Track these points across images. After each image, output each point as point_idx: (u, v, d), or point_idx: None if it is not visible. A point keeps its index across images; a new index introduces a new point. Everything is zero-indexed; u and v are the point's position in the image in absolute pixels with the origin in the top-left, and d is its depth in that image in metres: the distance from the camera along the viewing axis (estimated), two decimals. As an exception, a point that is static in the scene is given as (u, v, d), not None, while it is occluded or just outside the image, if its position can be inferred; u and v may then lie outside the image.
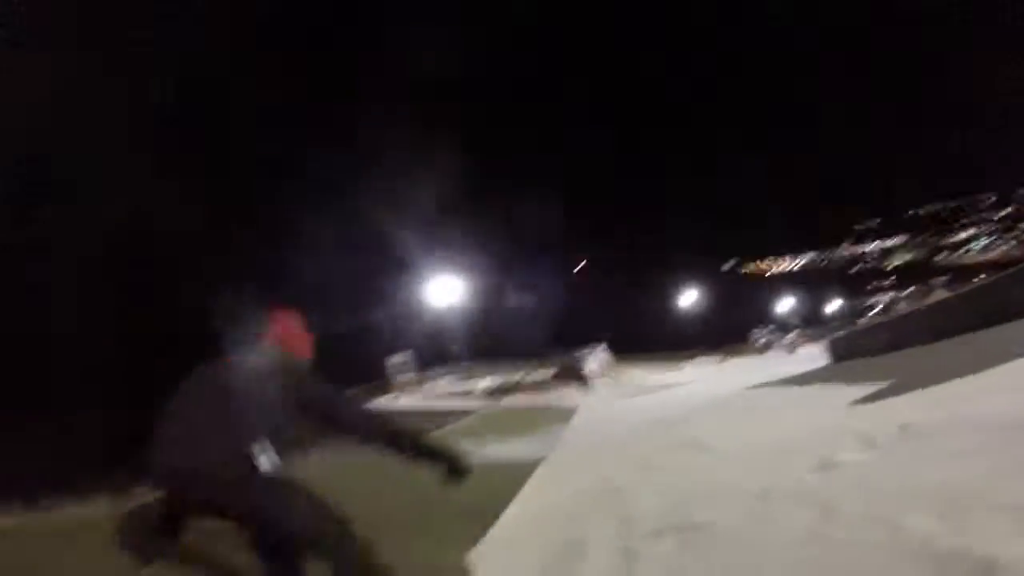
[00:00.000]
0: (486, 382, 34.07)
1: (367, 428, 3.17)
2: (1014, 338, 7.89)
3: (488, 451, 10.89)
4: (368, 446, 3.15)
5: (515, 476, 7.77)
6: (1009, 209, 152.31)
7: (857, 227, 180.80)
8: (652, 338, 68.04)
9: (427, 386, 42.01)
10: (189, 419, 2.90)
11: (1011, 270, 11.74)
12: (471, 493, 6.72)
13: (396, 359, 42.93)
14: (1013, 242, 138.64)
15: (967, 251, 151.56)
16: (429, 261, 46.91)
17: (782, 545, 3.21)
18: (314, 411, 3.06)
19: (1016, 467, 3.23)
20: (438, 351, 47.55)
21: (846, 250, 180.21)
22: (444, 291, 44.08)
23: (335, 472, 10.85)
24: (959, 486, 3.20)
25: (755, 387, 14.55)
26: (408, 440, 3.18)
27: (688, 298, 71.17)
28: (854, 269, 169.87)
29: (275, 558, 2.93)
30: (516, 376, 33.89)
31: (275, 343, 3.32)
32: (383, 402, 36.40)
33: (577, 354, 34.33)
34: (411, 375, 43.00)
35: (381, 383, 42.45)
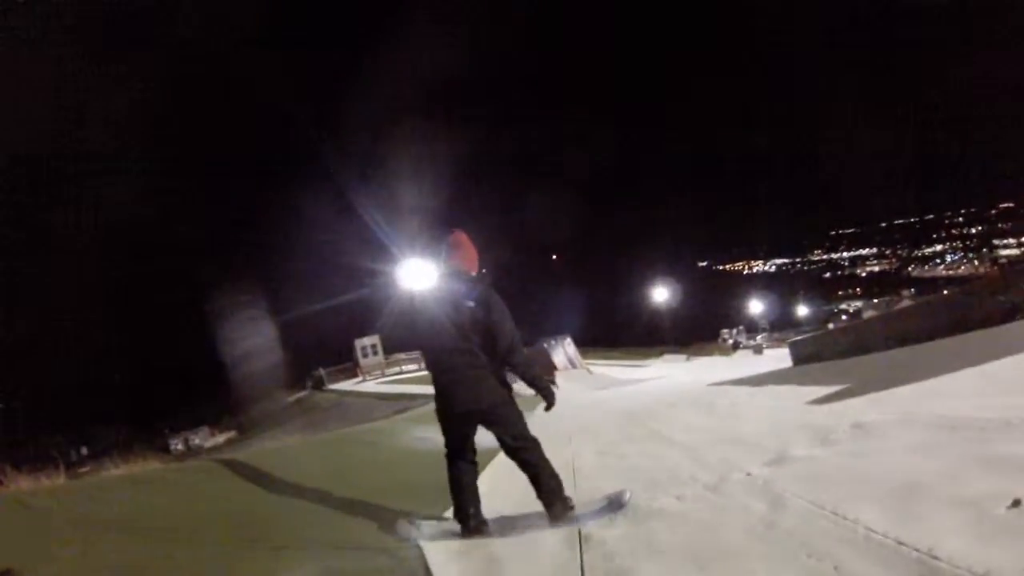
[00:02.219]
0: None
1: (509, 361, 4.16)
2: (973, 347, 8.02)
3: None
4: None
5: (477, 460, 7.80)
6: (980, 228, 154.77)
7: (832, 233, 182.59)
8: (622, 333, 68.33)
9: (393, 370, 41.97)
10: (455, 368, 4.06)
11: (972, 284, 11.95)
12: (432, 477, 6.80)
13: (364, 341, 42.82)
14: (978, 261, 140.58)
15: (936, 265, 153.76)
16: (402, 244, 46.59)
17: (731, 532, 3.26)
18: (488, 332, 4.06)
19: (964, 466, 3.30)
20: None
21: (820, 256, 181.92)
22: (416, 275, 43.80)
23: (304, 449, 10.89)
24: (907, 481, 3.26)
25: (719, 384, 14.68)
26: (529, 376, 4.22)
27: (660, 294, 70.95)
28: (826, 275, 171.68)
29: (526, 461, 4.14)
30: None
31: (463, 266, 4.31)
32: (349, 385, 36.31)
33: (545, 345, 34.22)
34: (379, 358, 42.93)
35: (348, 364, 42.39)
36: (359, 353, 42.39)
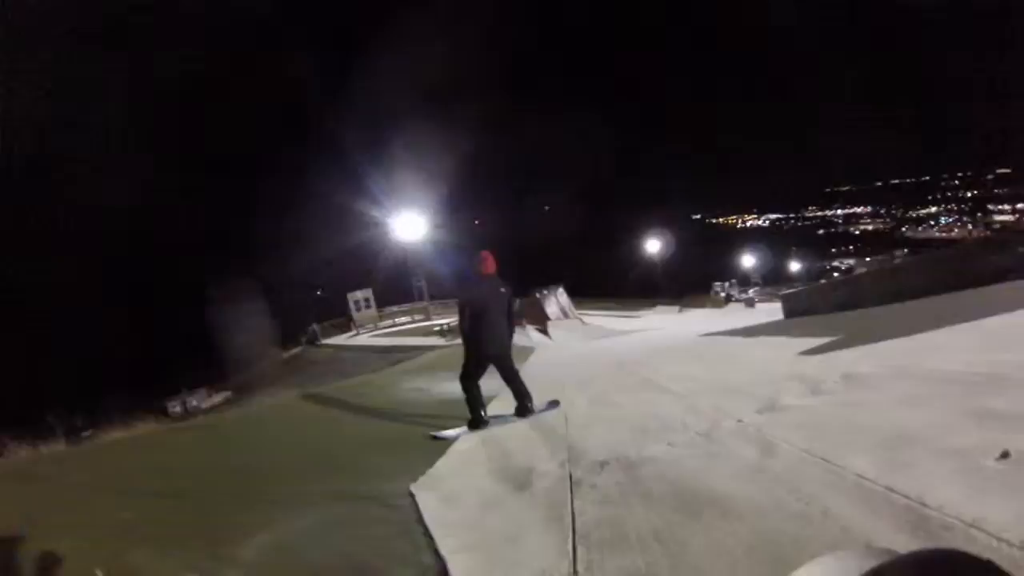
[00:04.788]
0: (444, 320, 33.95)
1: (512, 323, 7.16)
2: (965, 304, 8.05)
3: (442, 387, 10.97)
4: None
5: (465, 412, 7.89)
6: (976, 192, 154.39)
7: (827, 190, 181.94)
8: (615, 284, 68.33)
9: (386, 323, 42.05)
10: (498, 323, 6.79)
11: (968, 242, 11.95)
12: (426, 427, 6.85)
13: (357, 295, 42.79)
14: (972, 225, 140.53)
15: (930, 226, 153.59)
16: (394, 197, 46.46)
17: (721, 478, 3.27)
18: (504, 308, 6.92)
19: (955, 418, 3.32)
20: (399, 288, 47.55)
21: (814, 212, 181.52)
22: (408, 228, 43.58)
23: (299, 405, 10.94)
24: (898, 432, 3.29)
25: (711, 335, 14.76)
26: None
27: (654, 246, 70.69)
28: (820, 232, 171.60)
29: (513, 381, 6.90)
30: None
31: (490, 270, 6.95)
32: (343, 340, 36.35)
33: (538, 295, 34.15)
34: (371, 311, 42.95)
35: (342, 319, 42.39)
36: (352, 307, 42.32)
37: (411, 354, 19.96)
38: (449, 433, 6.47)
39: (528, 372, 9.75)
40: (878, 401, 4.13)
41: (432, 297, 45.99)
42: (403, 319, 43.26)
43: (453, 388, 10.65)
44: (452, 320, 30.92)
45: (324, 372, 22.79)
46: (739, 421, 4.42)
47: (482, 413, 6.71)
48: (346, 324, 41.94)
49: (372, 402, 9.72)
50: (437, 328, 30.20)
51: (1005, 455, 2.61)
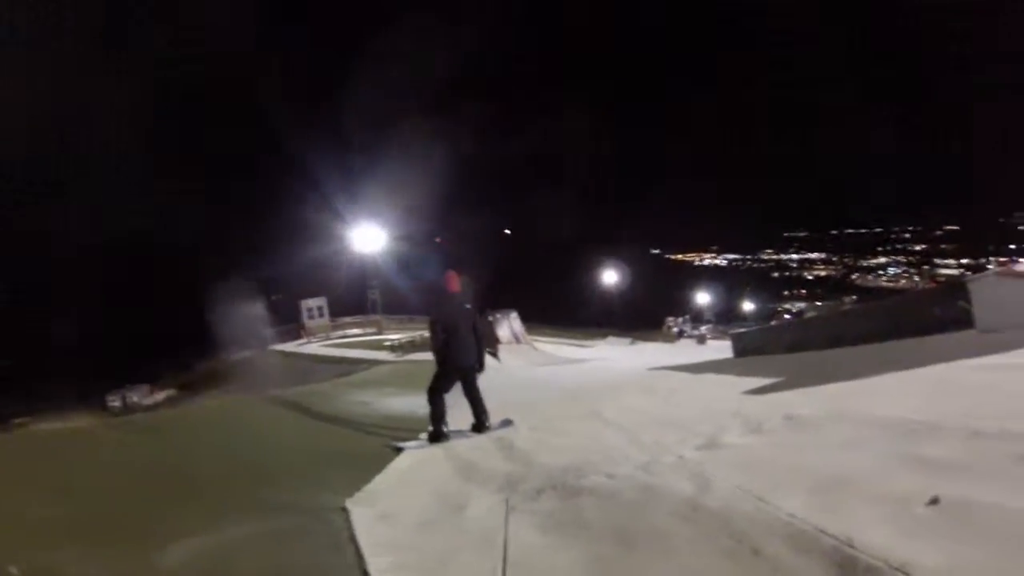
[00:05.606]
0: (396, 336, 33.68)
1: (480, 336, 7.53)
2: (907, 352, 8.23)
3: (388, 402, 10.92)
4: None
5: (412, 427, 7.83)
6: (924, 245, 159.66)
7: (785, 235, 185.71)
8: (570, 312, 68.54)
9: (338, 333, 41.65)
10: (467, 338, 7.26)
11: (913, 293, 12.27)
12: (367, 442, 6.77)
13: (311, 303, 42.37)
14: (918, 276, 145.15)
15: (879, 276, 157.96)
16: (353, 208, 46.26)
17: (657, 512, 3.27)
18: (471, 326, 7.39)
19: (889, 463, 3.37)
20: (354, 299, 47.19)
21: (770, 255, 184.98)
22: (367, 239, 43.34)
23: (241, 409, 10.75)
24: (834, 474, 3.33)
25: (659, 369, 14.85)
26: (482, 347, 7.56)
27: (610, 278, 71.27)
28: (774, 275, 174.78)
29: (475, 397, 7.34)
30: (426, 333, 33.52)
31: (454, 286, 7.43)
32: (292, 347, 35.89)
33: (491, 318, 34.08)
34: (324, 320, 42.55)
35: (293, 326, 41.87)
36: (305, 314, 41.88)
37: (360, 367, 19.76)
38: (410, 444, 6.74)
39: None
40: (816, 443, 4.17)
41: (386, 311, 45.69)
42: (355, 331, 42.83)
43: (399, 404, 10.62)
44: (404, 336, 30.75)
45: (272, 378, 22.43)
46: (680, 457, 4.43)
47: (443, 427, 7.03)
48: (297, 331, 41.45)
49: (317, 412, 9.60)
50: (388, 343, 29.95)
51: (935, 501, 2.65)
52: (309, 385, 14.87)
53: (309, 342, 38.38)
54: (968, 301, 9.01)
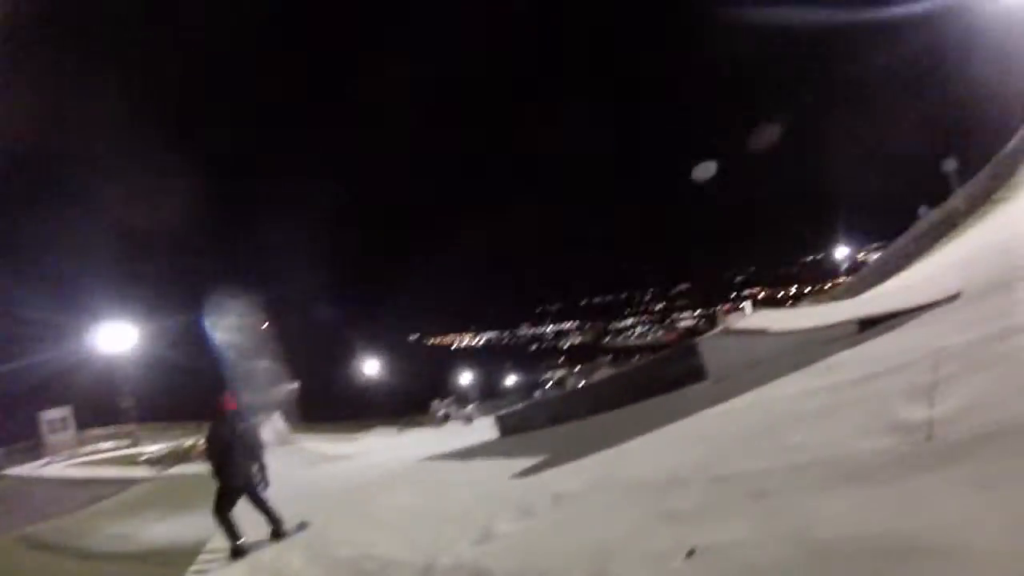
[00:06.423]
0: (155, 447, 31.41)
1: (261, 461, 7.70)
2: (656, 412, 8.92)
3: (153, 530, 10.17)
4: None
5: (176, 562, 7.57)
6: (663, 304, 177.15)
7: (538, 310, 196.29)
8: (333, 406, 67.27)
9: (87, 448, 37.99)
10: (241, 457, 7.42)
11: (651, 359, 13.76)
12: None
13: (52, 414, 38.20)
14: (662, 331, 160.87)
15: (628, 336, 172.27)
16: (100, 303, 42.88)
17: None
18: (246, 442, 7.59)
19: (647, 522, 3.77)
20: (104, 407, 43.21)
21: (526, 330, 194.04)
22: (116, 338, 39.87)
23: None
24: (601, 543, 3.65)
25: (427, 459, 15.01)
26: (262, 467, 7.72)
27: (372, 367, 71.23)
28: (532, 347, 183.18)
29: (263, 508, 7.47)
30: (188, 441, 31.48)
31: (231, 408, 7.74)
32: (28, 469, 32.16)
33: (253, 421, 32.84)
34: (69, 434, 38.59)
35: (32, 443, 37.46)
36: (45, 428, 37.72)
37: (115, 488, 18.21)
38: (213, 568, 7.11)
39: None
40: (583, 516, 4.55)
41: (142, 419, 42.34)
42: (107, 444, 39.26)
43: (165, 531, 9.88)
44: (163, 446, 28.80)
45: (3, 513, 20.02)
46: (455, 554, 4.64)
47: (240, 542, 7.20)
48: (36, 447, 37.19)
49: (64, 557, 8.75)
50: (145, 457, 27.87)
51: (691, 553, 2.96)
52: (55, 520, 13.10)
53: (52, 462, 34.64)
54: (700, 357, 10.22)
